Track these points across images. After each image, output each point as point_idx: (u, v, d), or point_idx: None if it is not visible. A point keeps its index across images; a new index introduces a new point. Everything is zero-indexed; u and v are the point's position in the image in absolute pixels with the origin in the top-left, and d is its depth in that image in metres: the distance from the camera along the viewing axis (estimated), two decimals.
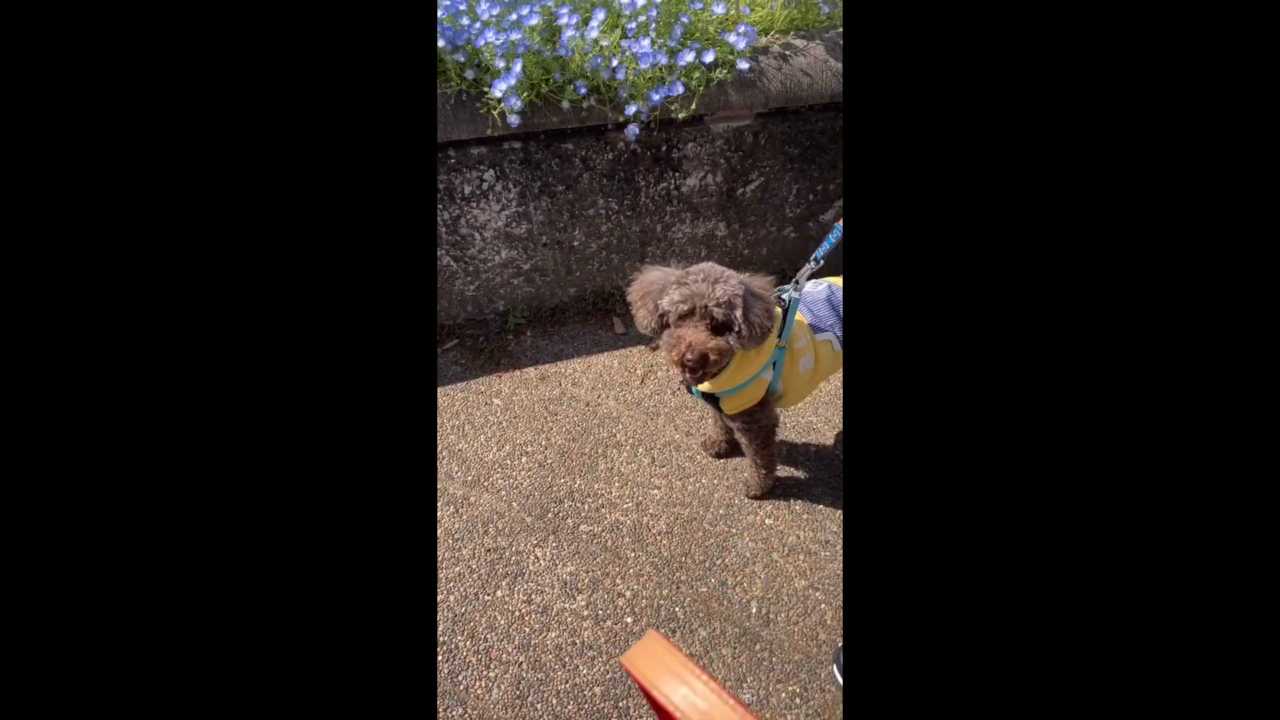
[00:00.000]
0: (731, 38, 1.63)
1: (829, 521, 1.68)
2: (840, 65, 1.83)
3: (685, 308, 1.26)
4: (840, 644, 1.49)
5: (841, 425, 1.91)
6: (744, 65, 1.68)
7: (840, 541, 1.65)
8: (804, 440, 1.88)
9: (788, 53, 1.82)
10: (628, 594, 1.55)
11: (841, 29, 1.90)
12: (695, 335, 1.26)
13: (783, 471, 1.78)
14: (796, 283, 1.40)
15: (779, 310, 1.37)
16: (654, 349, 2.13)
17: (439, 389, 2.00)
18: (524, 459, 1.83)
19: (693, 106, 1.72)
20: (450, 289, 2.07)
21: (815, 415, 1.94)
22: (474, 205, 1.89)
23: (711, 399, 1.48)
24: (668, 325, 1.30)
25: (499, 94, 1.55)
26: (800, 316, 1.48)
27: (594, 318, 2.24)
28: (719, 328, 1.27)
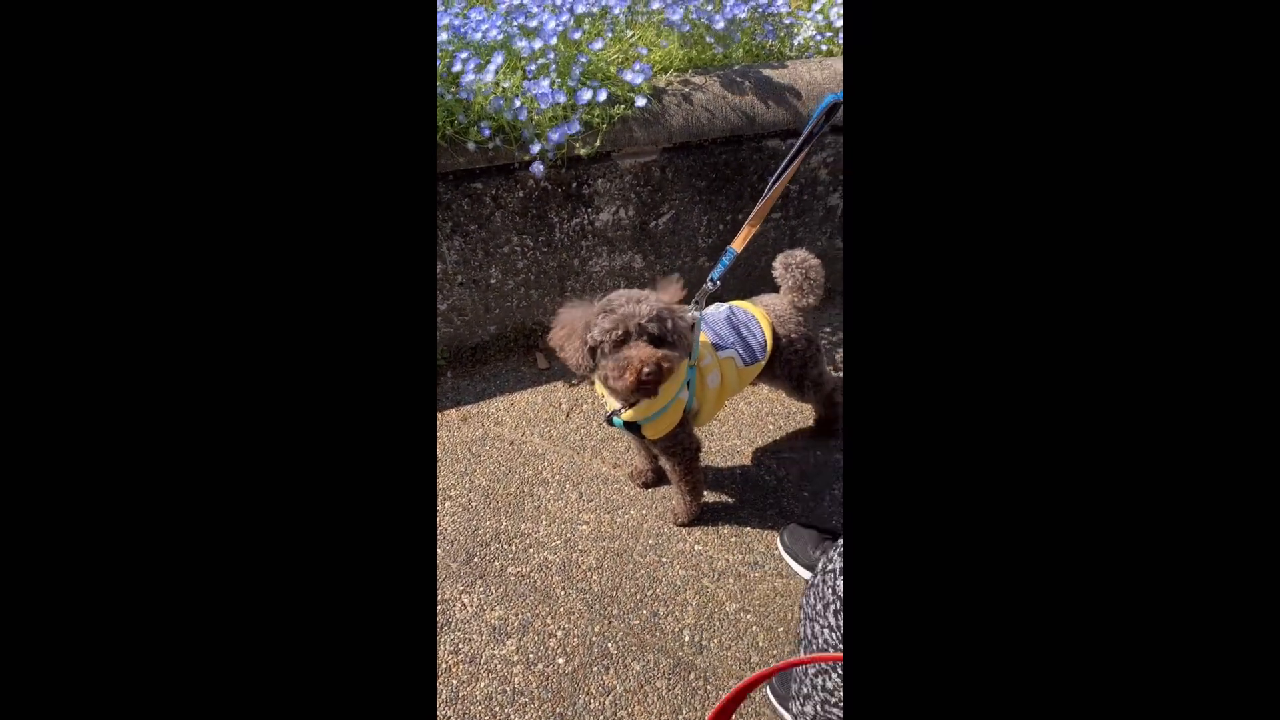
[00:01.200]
0: (628, 75, 1.69)
1: (757, 543, 1.70)
2: (737, 100, 1.92)
3: (619, 333, 1.26)
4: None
5: (760, 445, 1.95)
6: (642, 102, 1.73)
7: (769, 562, 1.66)
8: (729, 464, 1.90)
9: (687, 89, 1.89)
10: (559, 634, 1.51)
11: (735, 67, 1.99)
12: (641, 351, 1.26)
13: (710, 496, 1.80)
14: (697, 302, 1.44)
15: (696, 325, 1.40)
16: (576, 384, 2.13)
17: None
18: (447, 504, 1.78)
19: (597, 143, 1.76)
20: None
21: (739, 438, 1.97)
22: None
23: (634, 428, 1.48)
24: (604, 356, 1.30)
25: None
26: (703, 336, 1.52)
27: (516, 354, 2.23)
28: (656, 343, 1.29)
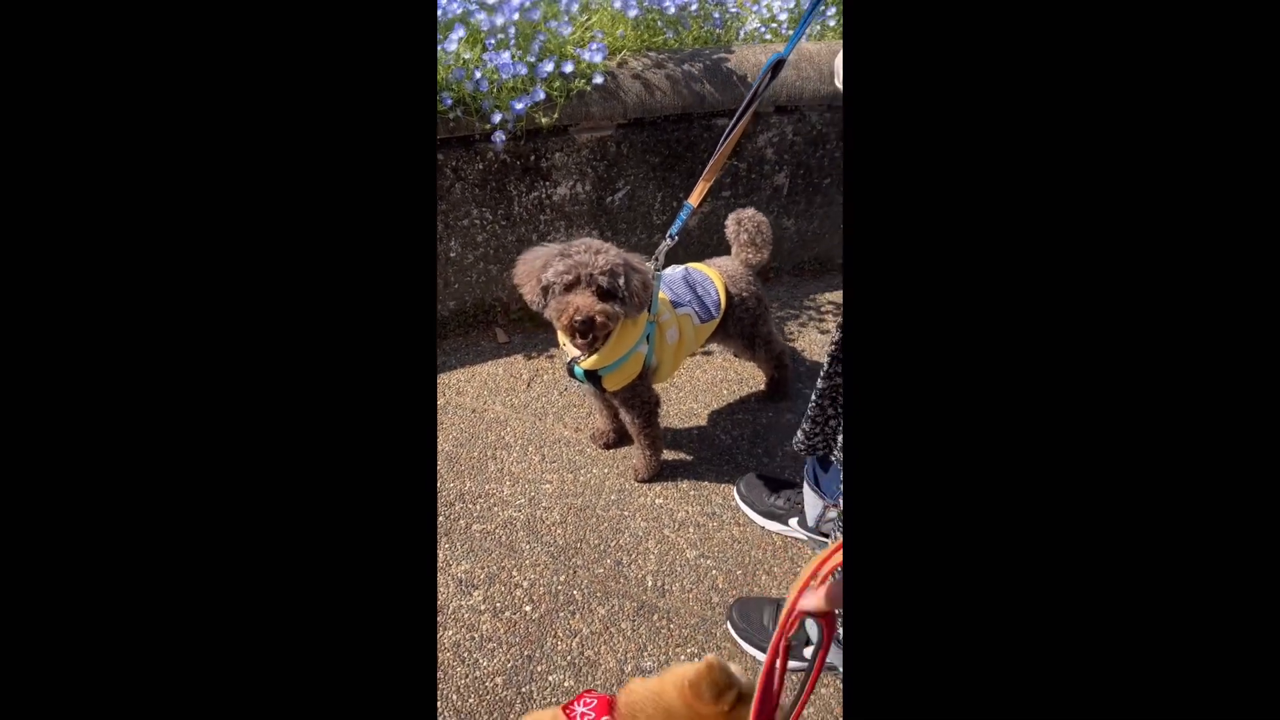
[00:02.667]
0: (586, 53, 1.77)
1: (714, 495, 1.78)
2: (688, 81, 2.02)
3: (570, 278, 1.33)
4: (732, 602, 1.58)
5: (716, 408, 2.04)
6: (599, 79, 1.81)
7: (725, 513, 1.74)
8: (686, 425, 1.98)
9: (641, 68, 1.98)
10: (525, 584, 1.55)
11: (686, 50, 2.09)
12: (582, 300, 1.33)
13: (669, 455, 1.87)
14: (656, 259, 1.52)
15: (653, 284, 1.48)
16: (536, 357, 2.18)
17: None
18: None
19: (555, 116, 1.83)
20: None
21: (696, 402, 2.05)
22: None
23: (594, 379, 1.55)
24: (554, 297, 1.37)
25: None
26: (661, 294, 1.60)
27: (475, 330, 2.26)
28: (604, 295, 1.35)
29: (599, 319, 1.33)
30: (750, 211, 1.72)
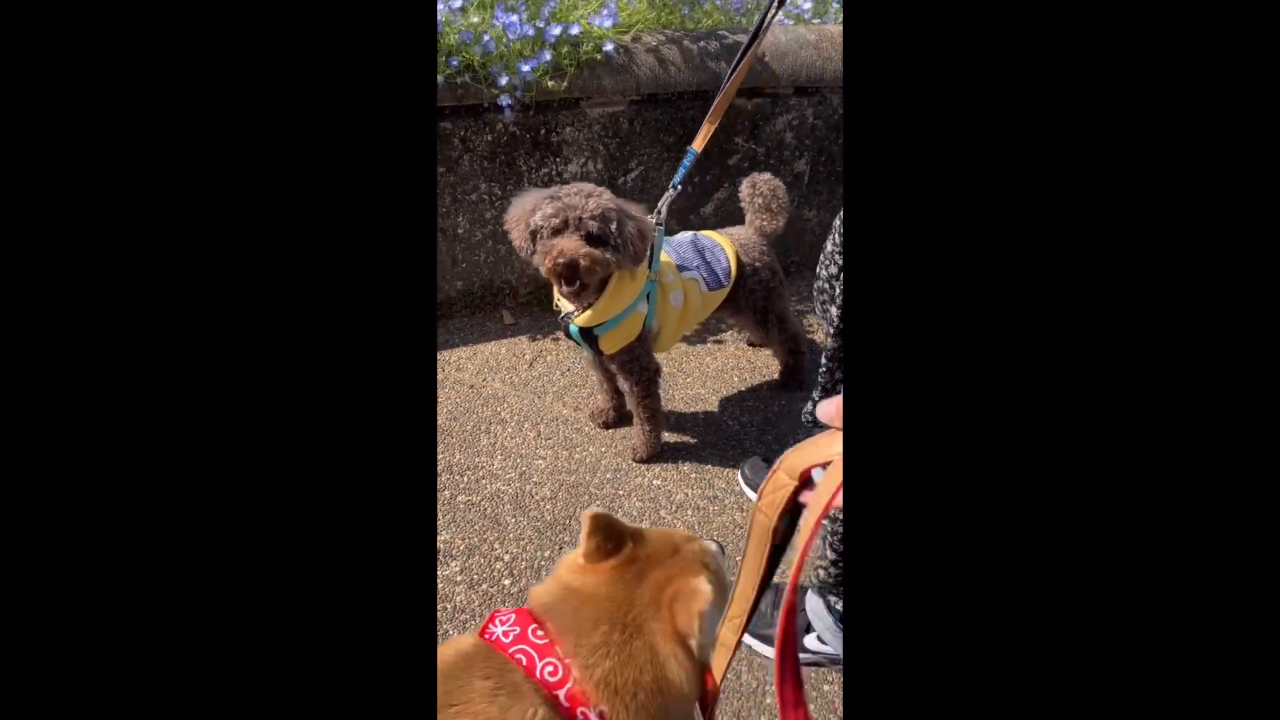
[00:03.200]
0: (596, 19, 1.74)
1: (717, 479, 1.66)
2: (704, 59, 1.98)
3: (557, 221, 1.26)
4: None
5: (725, 395, 1.92)
6: (610, 47, 1.78)
7: (728, 497, 1.62)
8: (692, 409, 1.87)
9: (655, 44, 1.94)
10: (506, 558, 1.45)
11: (702, 29, 2.06)
12: (568, 243, 1.26)
13: (671, 437, 1.76)
14: (659, 211, 1.44)
15: (652, 235, 1.40)
16: (541, 338, 2.10)
17: None
18: None
19: (564, 84, 1.80)
20: None
21: (703, 388, 1.95)
22: None
23: (590, 340, 1.46)
24: (541, 240, 1.30)
25: None
26: (666, 257, 1.52)
27: (482, 312, 2.20)
28: (593, 241, 1.28)
29: (583, 262, 1.25)
30: (766, 176, 1.64)
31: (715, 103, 1.29)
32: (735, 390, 1.95)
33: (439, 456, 1.68)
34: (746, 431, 1.81)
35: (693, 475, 1.66)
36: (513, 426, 1.78)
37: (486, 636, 0.66)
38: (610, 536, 0.72)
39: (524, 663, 0.65)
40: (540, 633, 0.67)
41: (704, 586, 0.65)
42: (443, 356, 2.01)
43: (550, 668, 0.65)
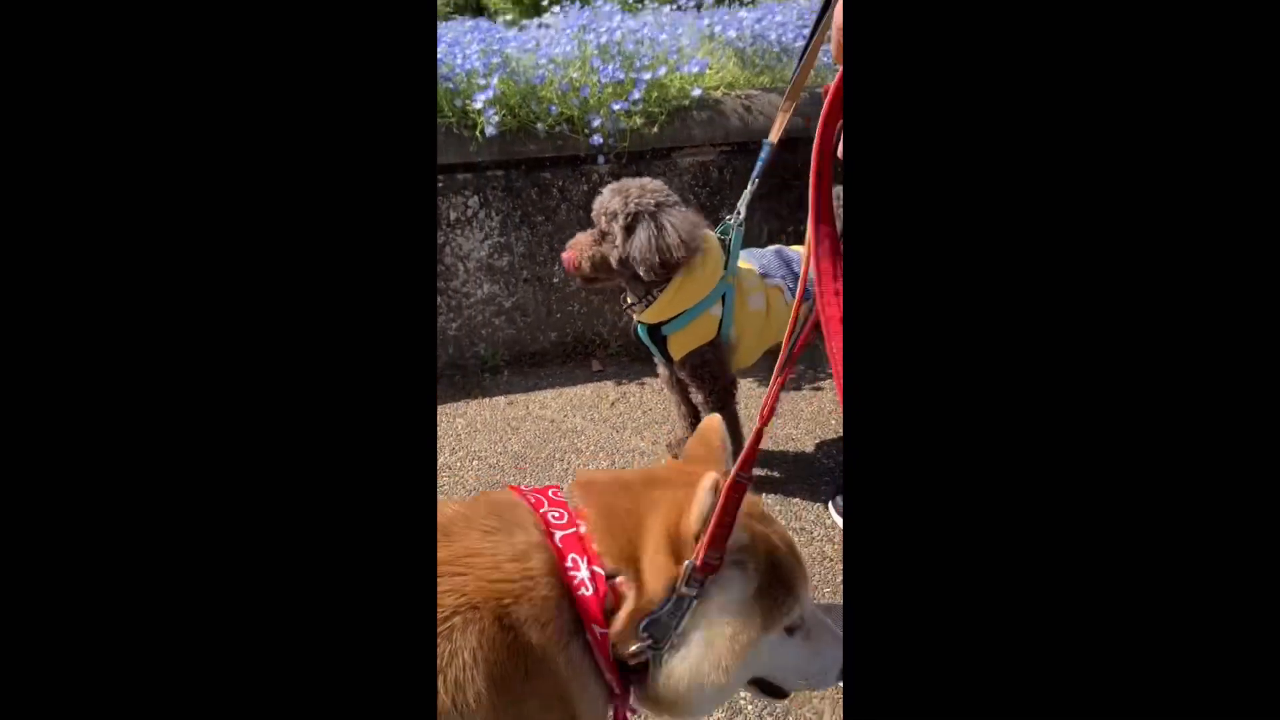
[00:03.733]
0: (685, 67, 1.85)
1: (805, 512, 1.46)
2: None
3: (593, 215, 1.33)
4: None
5: (822, 438, 1.74)
6: (697, 92, 1.87)
7: (818, 529, 1.41)
8: (781, 449, 1.70)
9: (744, 97, 2.02)
10: None
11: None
12: (582, 238, 1.36)
13: (755, 471, 1.60)
14: (738, 212, 1.41)
15: (706, 238, 1.36)
16: (627, 382, 2.06)
17: None
18: (475, 462, 1.70)
19: (655, 129, 1.89)
20: None
21: (796, 429, 1.78)
22: (459, 232, 2.01)
23: (658, 341, 1.40)
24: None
25: (479, 105, 1.75)
26: (747, 264, 1.46)
27: (573, 360, 2.21)
28: (606, 239, 1.34)
29: (581, 262, 1.36)
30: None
31: (789, 87, 1.28)
32: (833, 434, 1.76)
33: (511, 479, 1.62)
34: (841, 468, 1.60)
35: (777, 507, 1.47)
36: (587, 455, 1.70)
37: (538, 509, 0.60)
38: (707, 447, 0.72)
39: (533, 503, 0.61)
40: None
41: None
42: (529, 397, 2.01)
43: (557, 514, 0.60)
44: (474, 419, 1.88)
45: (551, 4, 2.33)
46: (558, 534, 0.57)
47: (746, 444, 0.58)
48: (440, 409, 1.94)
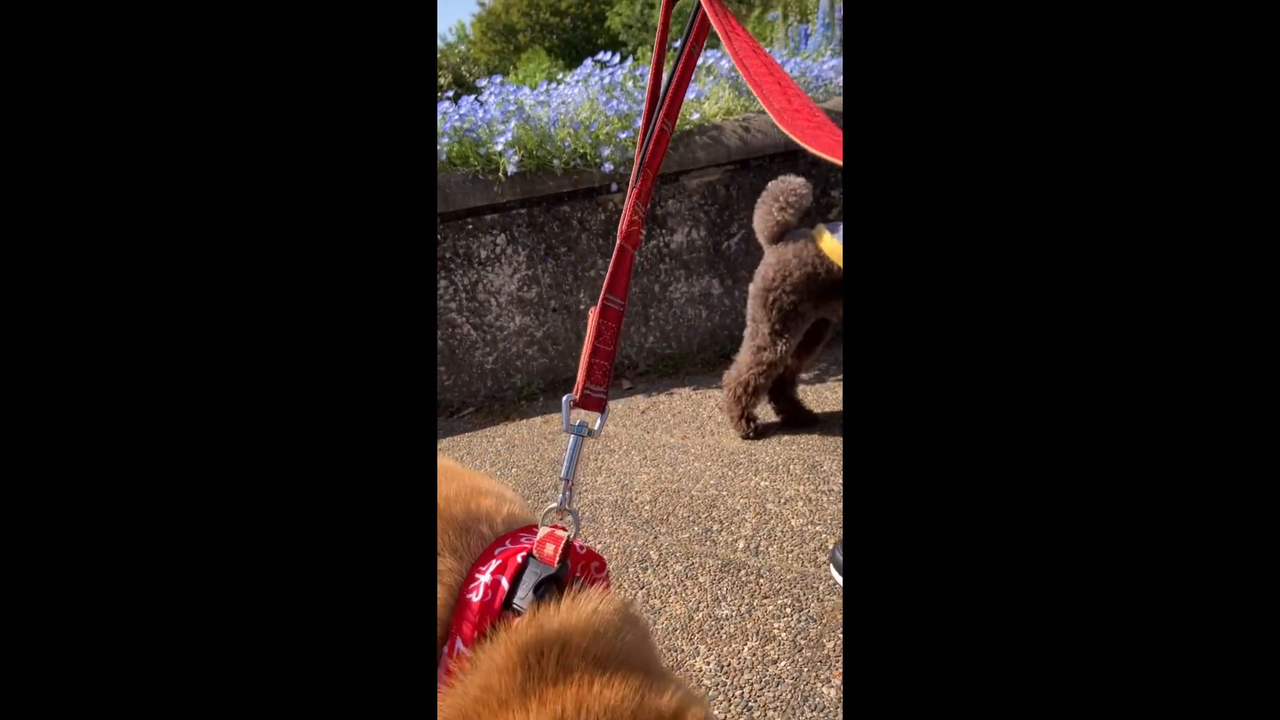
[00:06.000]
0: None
1: (835, 478, 1.47)
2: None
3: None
4: (835, 543, 1.20)
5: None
6: (695, 115, 2.04)
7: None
8: (823, 422, 1.73)
9: (741, 120, 2.19)
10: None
11: None
12: None
13: (787, 437, 1.63)
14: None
15: None
16: (653, 395, 2.13)
17: (448, 439, 2.05)
18: (513, 469, 1.77)
19: None
20: (470, 360, 2.25)
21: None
22: (489, 269, 2.17)
23: None
24: None
25: (500, 147, 1.95)
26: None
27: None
28: None
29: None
30: (791, 177, 1.71)
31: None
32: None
33: (546, 479, 1.69)
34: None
35: (805, 476, 1.50)
36: (619, 453, 1.76)
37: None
38: None
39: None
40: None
41: None
42: (559, 414, 2.09)
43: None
44: (512, 437, 1.97)
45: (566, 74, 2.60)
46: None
47: (610, 266, 0.59)
48: (479, 433, 2.04)
